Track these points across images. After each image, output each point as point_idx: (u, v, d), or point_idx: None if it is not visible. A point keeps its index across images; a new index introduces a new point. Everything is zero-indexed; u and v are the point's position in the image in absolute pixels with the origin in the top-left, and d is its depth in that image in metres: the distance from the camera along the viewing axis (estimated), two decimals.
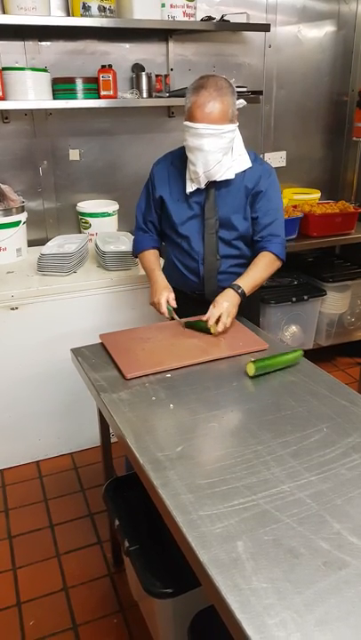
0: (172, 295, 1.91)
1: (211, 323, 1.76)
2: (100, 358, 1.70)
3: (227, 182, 1.88)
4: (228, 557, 0.96)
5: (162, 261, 2.19)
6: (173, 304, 1.90)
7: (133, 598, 1.78)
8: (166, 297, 1.89)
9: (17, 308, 2.31)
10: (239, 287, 1.83)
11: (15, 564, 2.03)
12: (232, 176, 1.86)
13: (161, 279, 1.96)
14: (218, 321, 1.77)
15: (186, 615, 1.27)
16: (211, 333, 1.78)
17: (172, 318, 1.90)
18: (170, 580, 1.30)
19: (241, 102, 1.86)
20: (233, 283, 1.85)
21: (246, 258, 2.00)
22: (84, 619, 1.81)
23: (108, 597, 1.89)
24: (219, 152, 1.77)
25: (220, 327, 1.76)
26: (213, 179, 1.84)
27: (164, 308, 1.88)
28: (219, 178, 1.84)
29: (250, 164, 1.90)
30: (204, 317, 1.79)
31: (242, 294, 1.83)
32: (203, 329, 1.80)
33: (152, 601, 1.36)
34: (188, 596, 1.29)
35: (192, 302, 2.03)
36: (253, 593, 0.89)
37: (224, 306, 1.78)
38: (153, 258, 2.05)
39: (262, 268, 1.91)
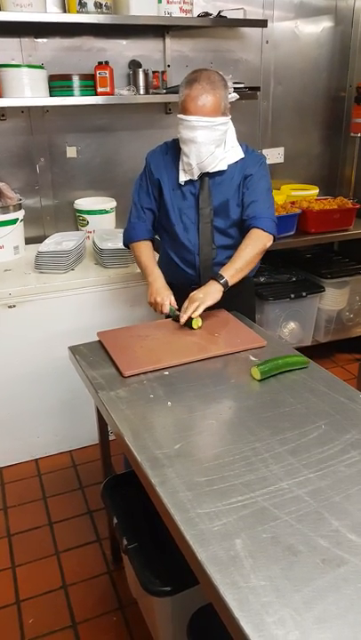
0: (173, 297, 1.91)
1: (182, 316, 1.77)
2: (97, 356, 1.70)
3: (220, 172, 1.89)
4: (227, 555, 0.96)
5: (156, 256, 2.18)
6: (175, 305, 1.89)
7: (132, 596, 1.78)
8: (170, 299, 1.89)
9: (14, 306, 2.30)
10: (221, 277, 1.81)
11: (14, 561, 2.03)
12: (225, 167, 1.88)
13: (160, 280, 1.95)
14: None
15: (185, 613, 1.27)
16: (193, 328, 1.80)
17: (175, 318, 1.89)
18: (169, 578, 1.30)
19: (234, 96, 1.88)
20: (217, 272, 1.84)
21: None
22: (83, 616, 1.81)
23: (108, 595, 1.89)
24: (211, 144, 1.79)
25: (184, 317, 1.76)
26: (206, 170, 1.86)
27: (166, 309, 1.88)
28: (211, 169, 1.86)
29: (243, 156, 1.92)
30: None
31: (224, 284, 1.81)
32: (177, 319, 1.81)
33: (151, 599, 1.36)
34: (187, 594, 1.28)
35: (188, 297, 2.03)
36: (252, 591, 0.89)
37: (199, 296, 1.78)
38: (148, 251, 2.03)
39: (250, 248, 1.86)
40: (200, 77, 1.73)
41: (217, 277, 1.82)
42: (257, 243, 1.87)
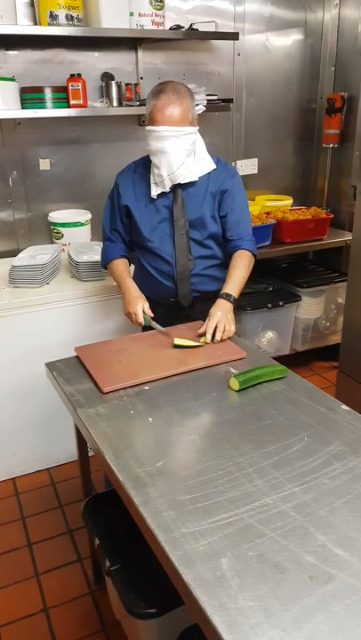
0: (147, 304, 1.91)
1: (208, 336, 1.76)
2: (75, 372, 1.66)
3: (192, 184, 1.91)
4: (213, 576, 0.93)
5: (133, 269, 2.16)
6: (150, 313, 1.89)
7: (116, 617, 1.74)
8: (142, 306, 1.88)
9: None
10: (228, 295, 1.84)
11: None
12: (196, 178, 1.89)
13: (133, 288, 1.95)
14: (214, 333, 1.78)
15: (171, 634, 1.24)
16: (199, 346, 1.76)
17: (150, 327, 1.88)
18: (153, 599, 1.27)
19: (200, 108, 1.89)
20: (221, 292, 1.86)
21: (219, 259, 2.01)
22: None
23: (90, 616, 1.84)
24: (181, 154, 1.80)
25: (218, 336, 1.76)
26: (178, 181, 1.86)
27: (141, 319, 1.87)
28: (183, 180, 1.86)
29: (214, 166, 1.94)
30: (200, 330, 1.79)
31: (233, 301, 1.84)
32: (191, 346, 1.77)
33: (135, 621, 1.33)
34: (173, 615, 1.26)
35: (167, 310, 2.02)
36: (240, 612, 0.87)
37: (218, 315, 1.79)
38: (122, 267, 2.04)
39: (243, 268, 1.92)
40: (166, 88, 1.75)
41: (225, 297, 1.84)
42: (248, 264, 1.95)
